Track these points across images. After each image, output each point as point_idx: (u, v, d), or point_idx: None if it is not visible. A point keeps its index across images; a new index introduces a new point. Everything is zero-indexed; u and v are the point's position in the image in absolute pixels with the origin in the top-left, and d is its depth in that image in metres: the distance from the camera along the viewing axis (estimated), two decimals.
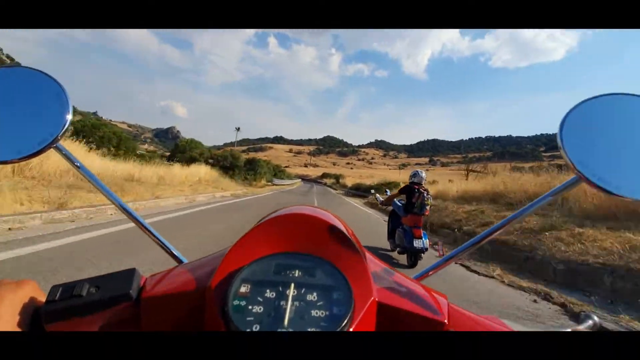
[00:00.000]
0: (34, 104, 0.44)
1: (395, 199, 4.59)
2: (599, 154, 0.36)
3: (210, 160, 17.71)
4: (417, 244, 3.83)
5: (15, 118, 0.43)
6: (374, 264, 0.37)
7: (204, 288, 0.31)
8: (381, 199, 5.16)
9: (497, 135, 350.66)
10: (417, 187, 4.16)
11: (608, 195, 0.34)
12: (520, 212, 0.42)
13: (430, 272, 0.47)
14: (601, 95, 0.40)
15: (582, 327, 0.38)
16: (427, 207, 4.10)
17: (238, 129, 52.09)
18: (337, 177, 73.05)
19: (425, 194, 4.09)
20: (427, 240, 3.96)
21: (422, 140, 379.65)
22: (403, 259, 4.21)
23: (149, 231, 0.49)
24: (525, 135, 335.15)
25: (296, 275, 0.31)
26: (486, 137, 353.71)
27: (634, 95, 0.39)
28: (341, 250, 0.34)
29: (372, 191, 6.62)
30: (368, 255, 0.38)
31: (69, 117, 0.44)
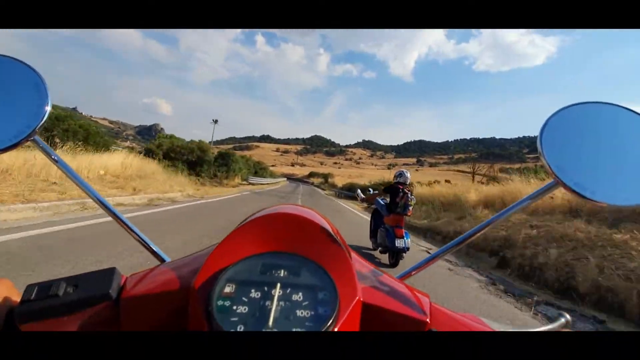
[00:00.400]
0: (10, 94, 0.42)
1: (378, 198, 4.64)
2: (576, 159, 0.37)
3: (172, 154, 14.56)
4: (398, 243, 3.88)
5: None
6: (359, 264, 0.38)
7: (187, 288, 0.30)
8: (362, 195, 5.19)
9: (481, 137, 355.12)
10: (401, 187, 4.20)
11: (583, 200, 0.35)
12: (500, 214, 0.43)
13: (413, 272, 0.47)
14: (580, 103, 0.41)
15: (554, 326, 0.39)
16: (410, 208, 4.15)
17: (215, 122, 48.45)
18: (325, 177, 67.80)
19: (409, 195, 4.14)
20: (409, 240, 4.02)
21: (409, 141, 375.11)
22: (385, 258, 4.30)
23: (129, 228, 0.47)
24: (508, 137, 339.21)
25: (282, 275, 0.31)
26: (471, 138, 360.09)
27: (611, 104, 0.41)
28: (327, 250, 0.35)
29: (358, 191, 6.29)
30: (353, 254, 0.38)
31: (48, 108, 0.42)
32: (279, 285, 0.29)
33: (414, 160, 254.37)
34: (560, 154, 0.37)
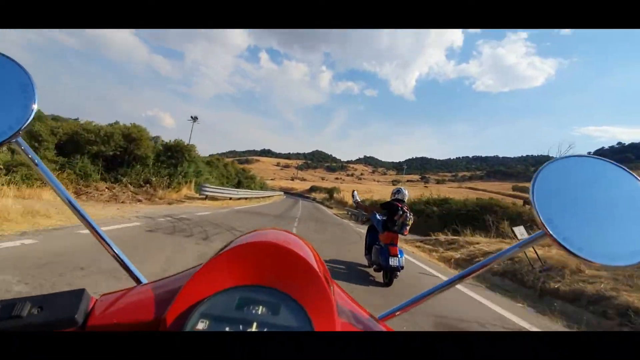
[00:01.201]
0: None
1: (376, 213, 4.57)
2: (566, 213, 0.36)
3: (73, 146, 8.22)
4: (392, 262, 3.82)
5: None
6: (342, 300, 0.37)
7: (159, 320, 0.28)
8: (357, 198, 5.04)
9: (484, 155, 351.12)
10: (400, 205, 4.18)
11: (569, 256, 0.35)
12: (487, 261, 0.43)
13: (397, 313, 0.46)
14: (574, 156, 0.41)
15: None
16: (407, 227, 4.11)
17: (195, 119, 42.51)
18: (330, 191, 52.31)
19: (408, 214, 4.11)
20: (403, 258, 3.97)
21: (411, 157, 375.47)
22: (380, 276, 4.17)
23: (107, 244, 0.45)
24: (511, 155, 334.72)
25: (259, 312, 0.29)
26: (473, 156, 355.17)
27: (605, 160, 0.41)
28: (307, 286, 0.33)
29: (355, 192, 5.44)
30: (336, 289, 0.37)
31: (34, 109, 0.40)
32: (255, 324, 0.28)
33: (418, 177, 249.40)
34: (551, 206, 0.37)
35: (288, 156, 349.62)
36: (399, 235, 4.06)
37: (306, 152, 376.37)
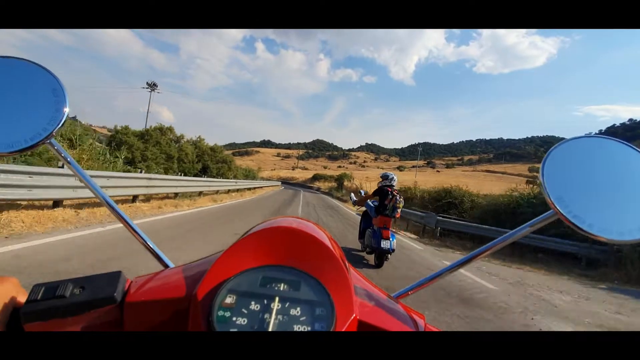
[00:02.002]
0: (29, 97, 0.43)
1: (369, 200, 4.76)
2: (576, 192, 0.38)
3: None
4: (384, 244, 4.05)
5: (8, 110, 0.41)
6: (357, 280, 0.38)
7: (190, 296, 0.31)
8: (355, 198, 5.21)
9: (488, 138, 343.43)
10: (390, 189, 4.35)
11: (580, 233, 0.36)
12: (498, 241, 0.43)
13: (410, 292, 0.47)
14: (584, 137, 0.42)
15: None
16: (399, 210, 4.29)
17: (152, 85, 36.22)
18: (339, 179, 42.11)
19: (397, 197, 4.25)
20: (395, 241, 4.23)
21: (413, 143, 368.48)
22: (372, 259, 4.40)
23: (137, 232, 0.48)
24: (515, 137, 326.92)
25: (281, 288, 0.31)
26: (477, 139, 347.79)
27: (614, 140, 0.42)
28: (325, 266, 0.35)
29: (352, 194, 5.82)
30: (352, 271, 0.39)
31: (66, 112, 0.43)
32: (277, 298, 0.30)
33: (423, 162, 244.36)
34: (561, 185, 0.38)
35: (289, 146, 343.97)
36: (391, 220, 4.37)
37: (307, 142, 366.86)
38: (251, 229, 0.40)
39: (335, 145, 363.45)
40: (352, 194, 5.60)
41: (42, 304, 0.29)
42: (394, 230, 4.61)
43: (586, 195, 0.37)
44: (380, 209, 4.29)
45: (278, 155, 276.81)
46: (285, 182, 60.14)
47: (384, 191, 4.30)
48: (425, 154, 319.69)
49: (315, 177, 54.54)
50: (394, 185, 4.44)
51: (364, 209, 5.12)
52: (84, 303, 0.29)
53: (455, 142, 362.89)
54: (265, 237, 0.37)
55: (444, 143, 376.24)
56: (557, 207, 0.36)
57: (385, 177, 4.55)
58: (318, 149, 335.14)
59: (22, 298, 0.30)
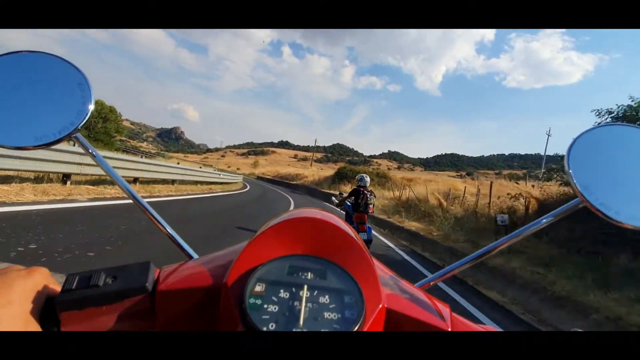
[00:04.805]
0: (56, 92, 0.44)
1: (346, 200, 5.57)
2: (602, 179, 0.38)
3: None
4: (362, 236, 4.71)
5: (35, 104, 0.42)
6: (381, 270, 0.38)
7: (220, 284, 0.31)
8: (336, 201, 6.10)
9: (522, 153, 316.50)
10: (362, 189, 5.13)
11: (607, 220, 0.36)
12: (522, 230, 0.43)
13: (432, 282, 0.48)
14: (609, 124, 0.42)
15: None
16: (371, 206, 5.07)
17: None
18: (382, 176, 27.97)
19: (368, 195, 5.04)
20: (371, 234, 5.04)
21: (440, 154, 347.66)
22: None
23: (160, 224, 0.48)
24: (551, 153, 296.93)
25: (308, 277, 0.31)
26: (510, 154, 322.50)
27: (636, 127, 0.42)
28: (351, 255, 0.35)
29: (333, 198, 7.33)
30: (375, 261, 0.38)
31: (91, 107, 0.44)
32: (305, 287, 0.30)
33: (455, 173, 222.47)
34: (587, 173, 0.38)
35: (307, 149, 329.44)
36: (366, 215, 5.05)
37: (326, 146, 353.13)
38: (273, 219, 0.40)
39: (356, 151, 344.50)
40: (334, 197, 7.00)
41: (76, 293, 0.29)
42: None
43: (612, 182, 0.37)
44: (355, 206, 5.09)
45: (295, 157, 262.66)
46: (277, 181, 39.45)
47: (357, 191, 5.12)
48: (453, 165, 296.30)
49: (341, 176, 30.34)
50: (366, 186, 5.20)
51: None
52: (117, 292, 0.30)
53: (485, 155, 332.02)
54: (289, 227, 0.37)
55: (473, 155, 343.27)
56: (584, 195, 0.36)
57: (360, 179, 5.30)
58: (338, 153, 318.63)
59: (54, 287, 0.31)
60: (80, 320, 0.29)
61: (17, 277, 0.29)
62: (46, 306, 0.29)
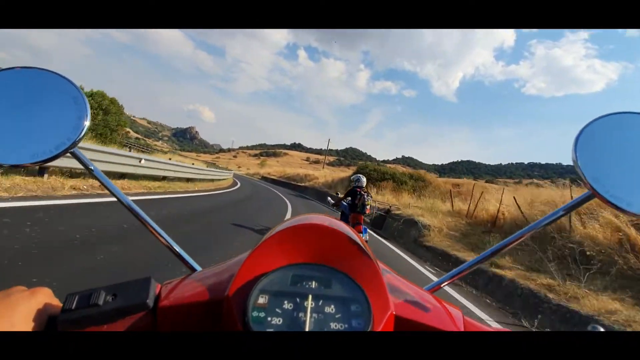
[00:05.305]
0: (52, 107, 0.43)
1: (342, 201, 5.54)
2: (612, 170, 0.37)
3: None
4: None
5: (31, 120, 0.41)
6: (389, 275, 0.37)
7: (222, 298, 0.30)
8: (332, 201, 6.06)
9: (543, 162, 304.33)
10: (359, 190, 5.12)
11: (619, 212, 0.35)
12: (534, 225, 0.42)
13: (442, 285, 0.47)
14: (617, 113, 0.40)
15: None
16: (368, 207, 5.07)
17: None
18: (418, 179, 21.08)
19: (365, 196, 5.04)
20: (367, 235, 5.67)
21: (455, 160, 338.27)
22: None
23: (163, 237, 0.47)
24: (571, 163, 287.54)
25: (312, 286, 0.30)
26: (529, 163, 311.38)
27: None
28: (356, 261, 0.34)
29: (328, 198, 6.96)
30: (382, 266, 0.37)
31: (87, 122, 0.43)
32: (310, 296, 0.29)
33: (472, 180, 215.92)
34: (596, 164, 0.37)
35: (319, 152, 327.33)
36: (362, 216, 5.09)
37: (339, 149, 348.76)
38: (275, 227, 0.39)
39: (369, 155, 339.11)
40: (329, 198, 6.69)
41: (76, 313, 0.29)
42: None
43: (621, 173, 0.36)
44: (352, 207, 5.13)
45: (307, 159, 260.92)
46: (282, 183, 33.94)
47: (354, 192, 5.10)
48: (469, 172, 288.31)
49: (366, 175, 21.02)
50: (362, 186, 5.17)
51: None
52: (117, 310, 0.29)
53: (503, 164, 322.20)
54: (290, 235, 0.36)
55: (489, 163, 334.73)
56: (594, 188, 0.35)
57: (356, 179, 5.26)
58: (350, 157, 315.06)
59: (56, 307, 0.31)
60: None
61: (20, 298, 0.29)
62: (48, 327, 0.29)
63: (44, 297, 0.30)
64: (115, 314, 0.29)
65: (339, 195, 5.94)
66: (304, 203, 16.16)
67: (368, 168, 25.17)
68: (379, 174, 22.39)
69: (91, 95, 23.35)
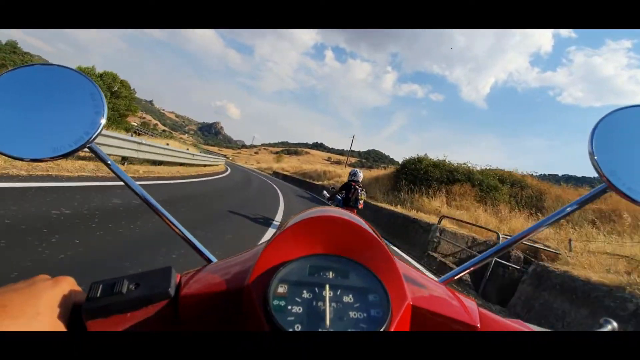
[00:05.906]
0: (70, 103, 0.44)
1: (337, 195, 5.53)
2: (629, 163, 0.37)
3: None
4: None
5: (51, 116, 0.42)
6: (404, 267, 0.37)
7: (242, 287, 0.31)
8: (328, 194, 6.07)
9: (579, 175, 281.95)
10: (354, 184, 5.23)
11: (636, 205, 0.35)
12: (547, 219, 0.43)
13: (455, 277, 0.47)
14: (634, 106, 0.41)
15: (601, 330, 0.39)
16: (361, 201, 5.12)
17: None
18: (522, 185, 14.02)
19: (359, 190, 5.13)
20: None
21: (482, 169, 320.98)
22: None
23: (179, 229, 0.48)
24: None
25: (330, 276, 0.31)
26: (563, 175, 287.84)
27: None
28: (372, 253, 0.35)
29: (324, 192, 6.71)
30: (396, 257, 0.38)
31: (104, 120, 0.44)
32: (327, 286, 0.30)
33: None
34: (612, 157, 0.37)
35: (341, 152, 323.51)
36: (356, 210, 5.00)
37: (361, 151, 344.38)
38: (291, 219, 0.40)
39: (392, 159, 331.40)
40: (325, 191, 6.54)
41: (101, 301, 0.30)
42: None
43: (638, 166, 0.36)
44: (346, 201, 5.17)
45: (328, 159, 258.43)
46: (294, 179, 26.98)
47: (348, 186, 5.24)
48: (498, 181, 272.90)
49: (407, 175, 14.21)
50: (358, 181, 5.24)
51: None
52: (140, 299, 0.30)
53: (535, 174, 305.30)
54: (307, 227, 0.36)
55: (519, 172, 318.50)
56: (610, 181, 0.35)
57: (353, 174, 5.34)
58: (372, 159, 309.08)
59: (80, 295, 0.32)
60: (106, 327, 0.30)
61: (44, 287, 0.29)
62: (73, 314, 0.30)
63: (68, 285, 0.31)
64: (139, 303, 0.30)
65: (335, 189, 6.17)
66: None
67: (423, 163, 14.63)
68: (444, 172, 13.62)
69: (100, 76, 22.05)
